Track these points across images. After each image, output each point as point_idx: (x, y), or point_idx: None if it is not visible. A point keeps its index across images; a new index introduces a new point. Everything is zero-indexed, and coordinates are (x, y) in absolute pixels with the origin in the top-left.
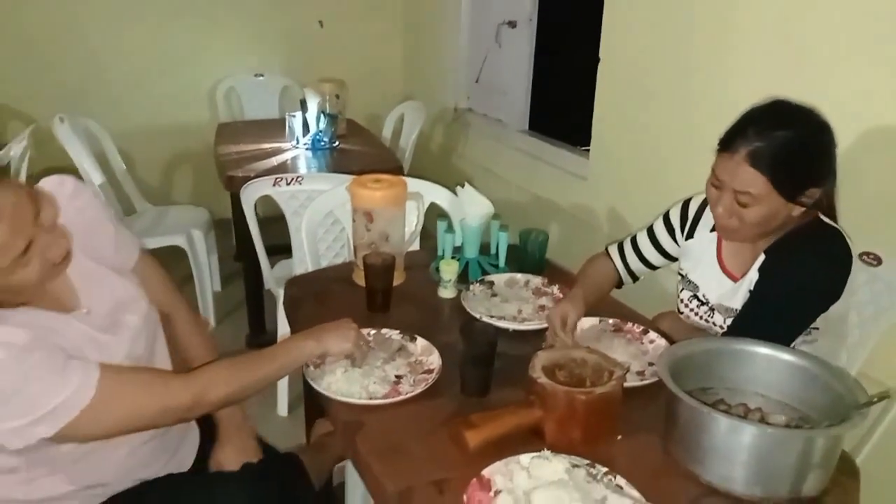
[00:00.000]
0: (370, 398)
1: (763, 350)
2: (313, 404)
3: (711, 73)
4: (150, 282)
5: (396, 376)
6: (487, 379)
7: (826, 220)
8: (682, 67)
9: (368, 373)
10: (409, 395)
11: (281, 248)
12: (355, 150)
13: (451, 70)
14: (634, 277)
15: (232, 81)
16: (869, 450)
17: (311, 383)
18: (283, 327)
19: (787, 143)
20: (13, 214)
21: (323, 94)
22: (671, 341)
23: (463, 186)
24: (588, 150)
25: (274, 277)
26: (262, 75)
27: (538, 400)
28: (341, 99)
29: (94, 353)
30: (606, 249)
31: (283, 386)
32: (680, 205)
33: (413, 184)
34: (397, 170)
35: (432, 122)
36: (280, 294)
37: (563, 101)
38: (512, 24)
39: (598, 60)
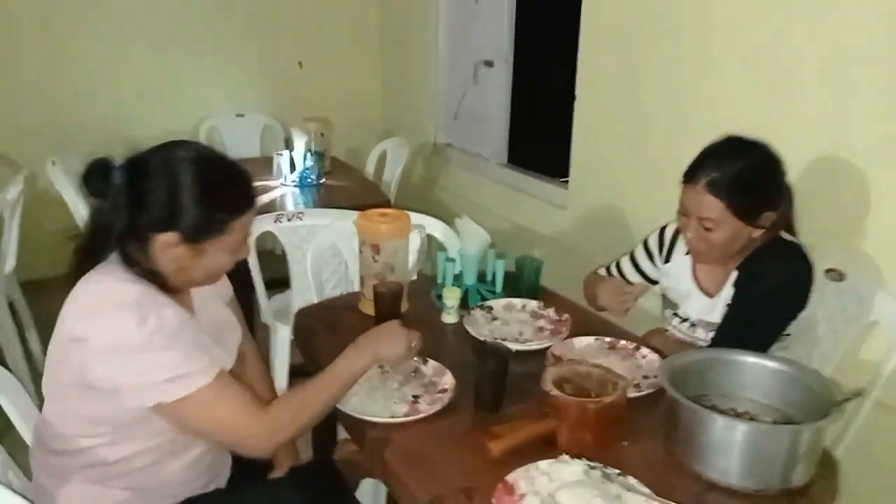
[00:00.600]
0: (392, 416)
1: (749, 359)
2: (322, 426)
3: (681, 109)
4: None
5: (414, 396)
6: (500, 395)
7: (787, 236)
8: (653, 105)
9: (389, 394)
10: (428, 413)
11: (271, 283)
12: (342, 186)
13: (429, 106)
14: None
15: (214, 121)
16: (845, 445)
17: (337, 405)
18: (282, 358)
19: (741, 173)
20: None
21: (309, 133)
22: (662, 355)
23: (461, 218)
24: (567, 182)
25: (271, 311)
26: (243, 115)
27: (551, 411)
28: (326, 137)
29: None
30: (595, 272)
31: None
32: (657, 232)
33: (413, 217)
34: (385, 204)
35: (412, 156)
36: (277, 326)
37: (540, 135)
38: (489, 64)
39: (573, 96)
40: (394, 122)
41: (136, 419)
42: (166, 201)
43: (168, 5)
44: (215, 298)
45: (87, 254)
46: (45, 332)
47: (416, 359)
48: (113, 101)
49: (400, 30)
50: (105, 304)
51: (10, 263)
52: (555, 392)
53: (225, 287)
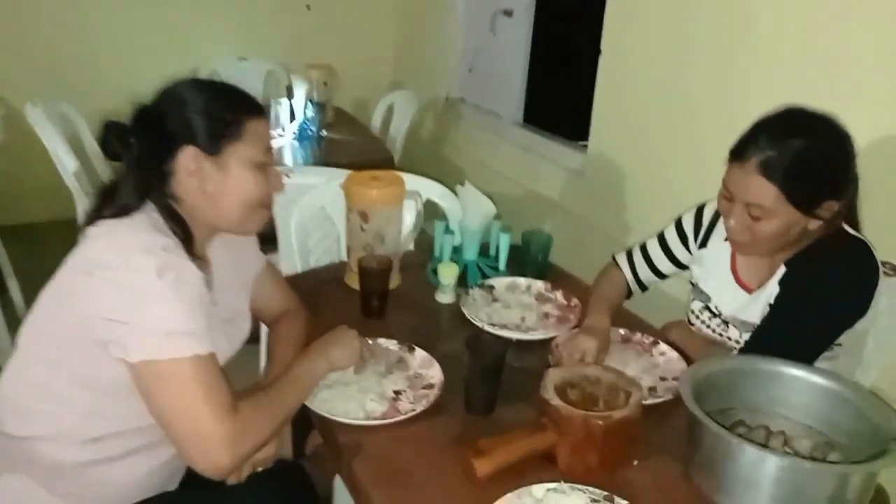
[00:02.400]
0: (367, 418)
1: (789, 370)
2: (301, 415)
3: (720, 71)
4: (274, 289)
5: (395, 392)
6: (493, 397)
7: (851, 231)
8: (689, 64)
9: (365, 388)
10: (409, 415)
11: (262, 239)
12: (344, 140)
13: (442, 58)
14: (643, 287)
15: (215, 65)
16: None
17: (306, 402)
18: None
19: (802, 153)
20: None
21: (311, 81)
22: (682, 353)
23: (463, 185)
24: (586, 145)
25: None
26: (245, 59)
27: (551, 423)
28: (329, 86)
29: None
30: (614, 258)
31: None
32: (693, 211)
33: (410, 181)
34: (388, 161)
35: (422, 111)
36: None
37: (560, 94)
38: (508, 13)
39: (598, 52)
40: (405, 74)
41: (117, 386)
42: (177, 119)
43: None
44: (238, 284)
45: (111, 212)
46: (27, 280)
47: (401, 346)
48: (109, 42)
49: None
50: (129, 244)
51: None
52: (556, 402)
53: (249, 266)
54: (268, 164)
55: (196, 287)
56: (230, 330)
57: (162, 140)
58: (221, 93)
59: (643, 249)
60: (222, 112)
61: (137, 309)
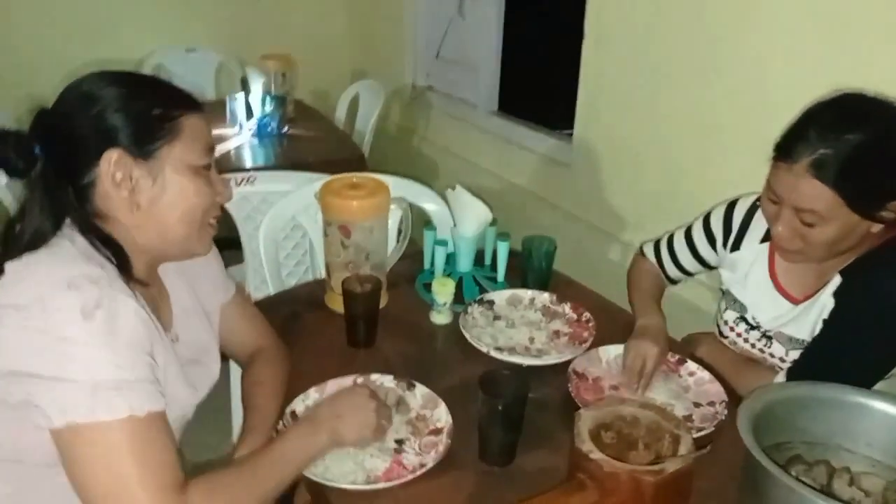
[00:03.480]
0: (368, 479)
1: (852, 397)
2: None
3: (721, 45)
4: (246, 321)
5: (397, 441)
6: (514, 444)
7: None
8: (684, 41)
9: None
10: (418, 473)
11: (223, 243)
12: (308, 137)
13: (407, 44)
14: (672, 282)
15: (160, 57)
16: None
17: None
18: None
19: (860, 149)
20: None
21: (268, 73)
22: (712, 371)
23: (454, 189)
24: (571, 134)
25: None
26: (194, 50)
27: (590, 480)
28: (288, 78)
29: (170, 388)
30: (641, 249)
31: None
32: (723, 209)
33: (392, 185)
34: (359, 160)
35: (388, 101)
36: None
37: (537, 80)
38: None
39: (578, 32)
40: (367, 61)
41: (50, 457)
42: (90, 119)
43: None
44: (202, 314)
45: (22, 246)
46: None
47: (399, 383)
48: (41, 37)
49: None
50: (46, 279)
51: None
52: (597, 455)
53: (215, 295)
54: (210, 167)
55: (138, 326)
56: (195, 372)
57: (74, 145)
58: (144, 85)
59: (669, 244)
60: (149, 107)
61: (58, 359)
